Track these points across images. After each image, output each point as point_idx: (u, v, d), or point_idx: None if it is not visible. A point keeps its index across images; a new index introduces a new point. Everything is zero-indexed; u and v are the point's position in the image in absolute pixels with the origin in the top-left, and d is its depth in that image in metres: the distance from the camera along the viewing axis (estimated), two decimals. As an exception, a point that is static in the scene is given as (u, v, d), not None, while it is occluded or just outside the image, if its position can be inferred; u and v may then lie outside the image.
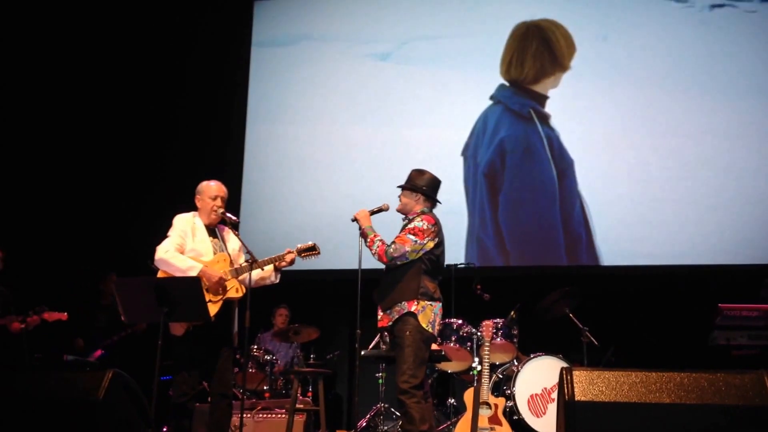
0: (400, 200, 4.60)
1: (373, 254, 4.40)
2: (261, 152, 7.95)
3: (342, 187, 7.61)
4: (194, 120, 8.04)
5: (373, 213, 4.60)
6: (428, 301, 4.35)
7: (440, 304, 4.43)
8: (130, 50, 8.02)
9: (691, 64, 7.02)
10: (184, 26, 8.08)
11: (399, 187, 4.62)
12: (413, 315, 4.30)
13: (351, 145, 7.73)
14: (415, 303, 4.32)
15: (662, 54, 7.07)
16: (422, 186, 4.54)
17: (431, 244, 4.40)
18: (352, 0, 8.02)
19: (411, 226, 4.42)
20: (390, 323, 4.38)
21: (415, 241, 4.35)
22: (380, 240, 4.40)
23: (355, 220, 4.55)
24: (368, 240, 4.43)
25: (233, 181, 7.52)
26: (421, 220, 4.41)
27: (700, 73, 6.98)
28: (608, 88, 7.09)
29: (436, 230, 4.44)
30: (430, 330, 4.33)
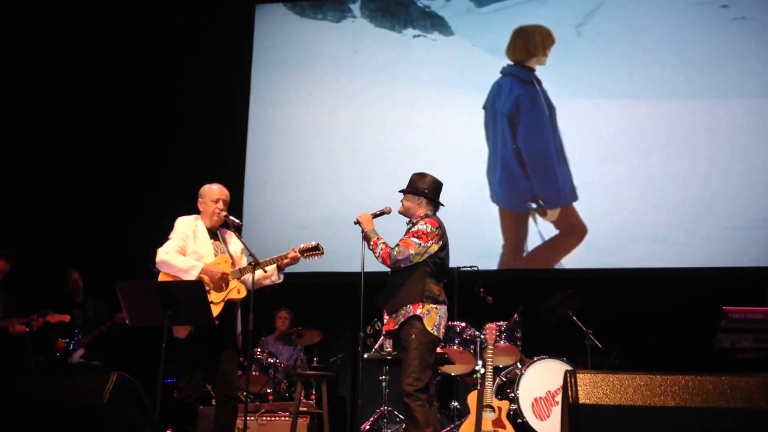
0: (402, 204, 4.59)
1: (377, 257, 4.40)
2: (263, 154, 7.95)
3: (345, 190, 7.60)
4: (196, 121, 8.04)
5: (375, 216, 4.59)
6: (433, 304, 4.34)
7: (445, 307, 4.42)
8: (131, 50, 8.02)
9: (695, 65, 7.04)
10: (184, 26, 8.08)
11: (401, 191, 4.62)
12: (418, 318, 4.29)
13: (354, 148, 7.73)
14: (420, 306, 4.31)
15: (665, 56, 7.11)
16: (424, 189, 4.53)
17: (435, 247, 4.40)
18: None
19: (415, 229, 4.41)
20: (396, 327, 4.37)
21: (419, 244, 4.34)
22: (383, 243, 4.40)
23: (357, 223, 4.55)
24: (371, 243, 4.43)
25: (236, 183, 7.52)
26: (425, 223, 4.41)
27: (703, 72, 7.00)
28: (612, 90, 7.17)
29: (440, 233, 4.44)
30: (435, 333, 4.32)
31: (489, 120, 7.05)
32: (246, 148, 7.93)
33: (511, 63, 6.91)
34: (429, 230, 4.38)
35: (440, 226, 4.45)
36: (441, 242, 4.43)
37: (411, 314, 4.30)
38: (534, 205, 6.96)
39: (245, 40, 8.14)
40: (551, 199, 6.96)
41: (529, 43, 6.52)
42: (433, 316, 4.31)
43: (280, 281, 4.60)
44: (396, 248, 4.34)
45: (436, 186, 4.58)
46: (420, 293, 4.32)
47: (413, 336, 4.27)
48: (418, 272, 4.35)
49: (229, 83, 8.12)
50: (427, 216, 4.47)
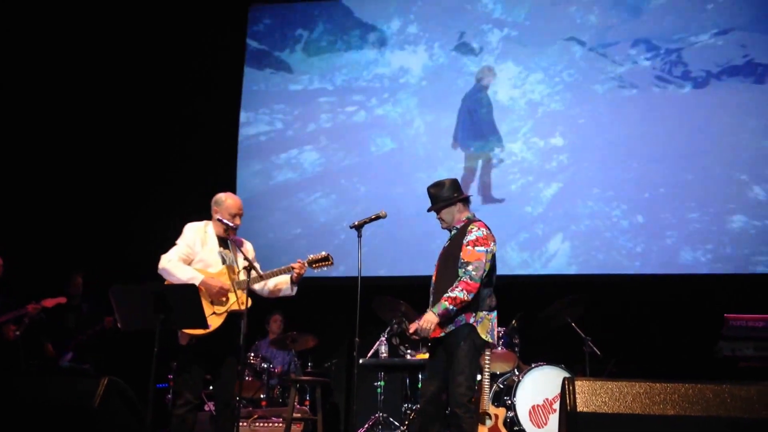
0: (442, 220, 4.43)
1: (468, 297, 4.09)
2: (259, 157, 7.92)
3: (343, 192, 7.59)
4: (195, 123, 8.02)
5: (371, 220, 4.54)
6: (486, 311, 4.19)
7: (496, 312, 4.27)
8: (131, 54, 8.02)
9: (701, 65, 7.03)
10: (179, 29, 8.07)
11: (430, 210, 4.45)
12: (470, 327, 4.15)
13: (352, 150, 7.72)
14: (473, 315, 4.16)
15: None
16: (453, 195, 4.38)
17: (495, 248, 4.27)
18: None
19: (472, 238, 4.20)
20: (442, 334, 4.20)
21: (486, 251, 4.18)
22: (450, 292, 4.10)
23: (425, 329, 4.16)
24: (451, 302, 4.08)
25: (229, 189, 7.48)
26: (478, 228, 4.24)
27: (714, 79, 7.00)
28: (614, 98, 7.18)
29: (492, 234, 4.30)
30: (489, 339, 4.20)
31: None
32: (237, 151, 7.91)
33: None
34: (485, 234, 4.24)
35: (488, 228, 4.34)
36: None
37: (463, 323, 4.16)
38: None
39: (239, 41, 8.20)
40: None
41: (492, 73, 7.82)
42: (486, 324, 4.19)
43: (293, 294, 4.60)
44: (470, 267, 4.12)
45: (456, 184, 4.47)
46: (476, 302, 4.15)
47: (463, 343, 4.14)
48: None
49: (224, 86, 8.13)
50: (470, 220, 4.34)
